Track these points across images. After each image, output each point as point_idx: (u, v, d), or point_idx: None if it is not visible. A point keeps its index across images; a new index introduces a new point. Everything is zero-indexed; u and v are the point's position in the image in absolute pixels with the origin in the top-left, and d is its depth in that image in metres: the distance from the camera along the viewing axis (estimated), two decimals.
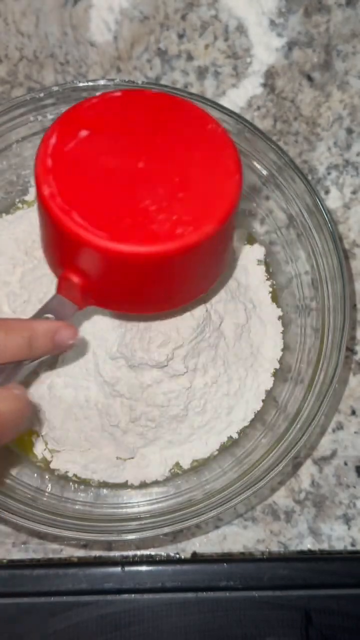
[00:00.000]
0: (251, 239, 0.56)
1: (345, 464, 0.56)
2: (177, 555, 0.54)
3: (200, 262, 0.42)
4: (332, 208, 0.60)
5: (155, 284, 0.41)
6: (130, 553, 0.54)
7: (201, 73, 0.61)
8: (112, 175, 0.40)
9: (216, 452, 0.53)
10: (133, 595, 0.53)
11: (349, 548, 0.55)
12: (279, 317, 0.54)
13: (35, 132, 0.53)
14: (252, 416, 0.53)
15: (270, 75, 0.61)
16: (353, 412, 0.57)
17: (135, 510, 0.51)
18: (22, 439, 0.53)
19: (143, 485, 0.52)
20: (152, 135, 0.41)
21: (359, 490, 0.55)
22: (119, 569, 0.53)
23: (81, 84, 0.52)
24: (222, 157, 0.41)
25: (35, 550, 0.54)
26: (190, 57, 0.61)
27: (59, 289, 0.41)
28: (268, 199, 0.54)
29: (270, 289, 0.55)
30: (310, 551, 0.54)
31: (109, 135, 0.41)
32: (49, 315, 0.41)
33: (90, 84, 0.52)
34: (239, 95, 0.61)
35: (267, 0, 0.62)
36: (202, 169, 0.40)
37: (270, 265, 0.55)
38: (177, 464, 0.52)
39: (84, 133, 0.41)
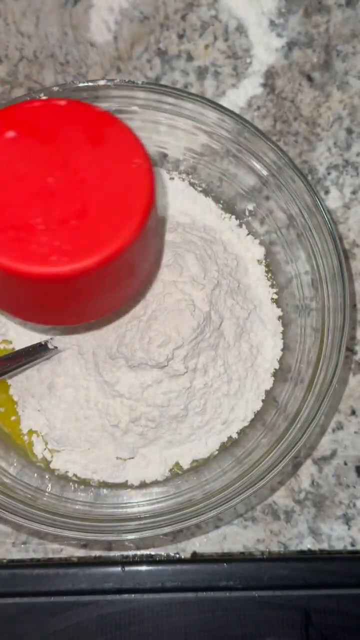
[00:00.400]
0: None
1: (345, 464, 0.56)
2: (177, 555, 0.54)
3: (82, 291, 0.41)
4: (332, 208, 0.60)
5: (32, 300, 0.41)
6: (130, 553, 0.54)
7: (201, 73, 0.61)
8: (18, 183, 0.39)
9: (216, 452, 0.53)
10: (133, 595, 0.53)
11: (349, 548, 0.55)
12: (279, 317, 0.54)
13: None
14: (252, 416, 0.53)
15: (270, 75, 0.61)
16: (353, 412, 0.57)
17: (135, 510, 0.51)
18: (22, 439, 0.53)
19: (143, 485, 0.52)
20: (76, 154, 0.40)
21: (359, 490, 0.56)
22: (119, 569, 0.53)
23: (81, 84, 0.52)
24: (132, 198, 0.39)
25: (35, 550, 0.54)
26: (190, 57, 0.61)
27: None
28: (268, 199, 0.54)
29: (271, 289, 0.55)
30: (310, 551, 0.55)
31: (34, 142, 0.40)
32: None
33: (90, 84, 0.52)
34: (239, 96, 0.61)
35: (267, 0, 0.62)
36: (107, 205, 0.39)
37: (270, 265, 0.55)
38: (177, 464, 0.52)
39: (10, 134, 0.40)
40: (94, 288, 0.41)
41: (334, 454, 0.56)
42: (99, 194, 0.39)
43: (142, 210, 0.39)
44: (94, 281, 0.40)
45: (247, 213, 0.55)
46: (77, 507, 0.50)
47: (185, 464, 0.52)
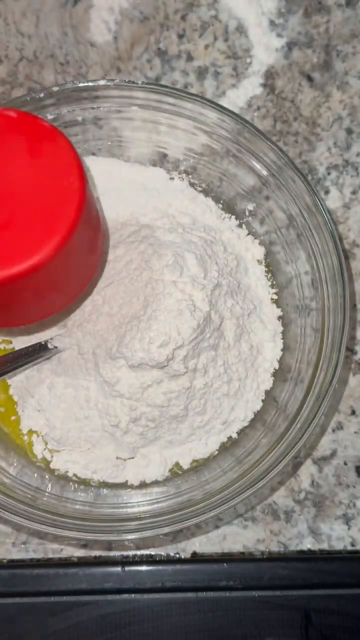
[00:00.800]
0: None
1: (345, 463, 0.56)
2: (177, 555, 0.54)
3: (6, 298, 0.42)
4: (332, 208, 0.60)
5: None
6: (130, 553, 0.54)
7: (201, 73, 0.61)
8: None
9: (216, 452, 0.53)
10: (133, 595, 0.53)
11: (349, 548, 0.55)
12: (279, 317, 0.54)
13: None
14: (252, 416, 0.53)
15: (270, 75, 0.61)
16: (353, 412, 0.57)
17: (135, 510, 0.51)
18: (21, 439, 0.53)
19: (143, 485, 0.52)
20: (13, 166, 0.41)
21: (358, 490, 0.56)
22: (119, 568, 0.53)
23: (81, 84, 0.52)
24: (58, 215, 0.40)
25: (35, 550, 0.54)
26: (190, 58, 0.61)
27: None
28: (268, 199, 0.54)
29: (271, 289, 0.55)
30: (310, 551, 0.55)
31: None
32: None
33: (90, 84, 0.52)
34: (239, 96, 0.61)
35: (267, 0, 0.62)
36: (32, 219, 0.40)
37: (270, 265, 0.55)
38: (177, 464, 0.52)
39: None
40: (10, 298, 0.42)
41: (334, 454, 0.56)
42: (27, 207, 0.40)
43: (64, 228, 0.40)
44: (10, 291, 0.41)
45: (247, 213, 0.55)
46: (77, 507, 0.50)
47: (185, 464, 0.52)
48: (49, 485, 0.51)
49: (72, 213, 0.40)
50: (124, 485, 0.52)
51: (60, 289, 0.45)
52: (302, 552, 0.54)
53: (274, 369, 0.53)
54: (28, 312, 0.46)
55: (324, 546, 0.55)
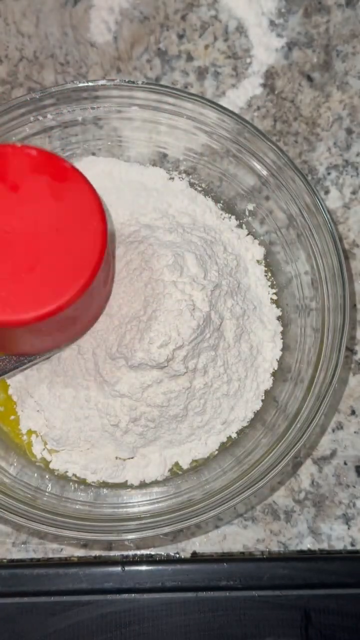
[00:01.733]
0: None
1: (345, 463, 0.56)
2: (177, 555, 0.54)
3: (21, 334, 0.44)
4: (332, 208, 0.60)
5: None
6: (130, 553, 0.54)
7: (201, 73, 0.61)
8: None
9: (216, 452, 0.53)
10: (133, 594, 0.53)
11: (349, 548, 0.55)
12: (279, 317, 0.54)
13: (36, 132, 0.53)
14: (252, 416, 0.53)
15: (270, 75, 0.61)
16: (353, 412, 0.57)
17: (135, 510, 0.51)
18: (20, 439, 0.53)
19: (143, 485, 0.52)
20: (37, 207, 0.41)
21: (358, 490, 0.56)
22: (119, 568, 0.53)
23: (81, 85, 0.52)
24: (81, 261, 0.41)
25: (35, 550, 0.54)
26: (190, 58, 0.61)
27: None
28: (268, 199, 0.54)
29: (271, 289, 0.55)
30: (310, 551, 0.55)
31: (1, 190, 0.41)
32: None
33: (90, 84, 0.52)
34: (239, 96, 0.61)
35: (267, 0, 0.62)
36: (56, 264, 0.41)
37: (270, 265, 0.55)
38: (177, 464, 0.52)
39: None
40: (32, 333, 0.44)
41: (333, 454, 0.56)
42: (51, 251, 0.41)
43: (87, 276, 0.41)
44: (33, 328, 0.42)
45: (247, 213, 0.55)
46: (77, 507, 0.50)
47: (185, 464, 0.52)
48: (49, 485, 0.52)
49: (95, 257, 0.41)
50: (124, 485, 0.52)
51: (78, 322, 0.47)
52: (302, 552, 0.55)
53: (274, 369, 0.53)
54: (47, 343, 0.48)
55: (324, 546, 0.55)
